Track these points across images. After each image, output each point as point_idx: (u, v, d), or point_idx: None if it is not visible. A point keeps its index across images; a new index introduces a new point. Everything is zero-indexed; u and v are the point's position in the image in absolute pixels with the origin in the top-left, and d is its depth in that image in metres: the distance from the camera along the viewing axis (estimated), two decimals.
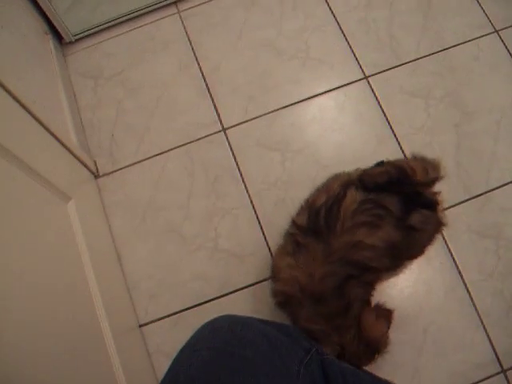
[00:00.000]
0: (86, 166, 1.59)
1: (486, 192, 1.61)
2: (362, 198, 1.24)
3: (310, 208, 1.29)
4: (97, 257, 1.33)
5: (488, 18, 1.86)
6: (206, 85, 1.76)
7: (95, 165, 1.68)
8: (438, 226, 1.33)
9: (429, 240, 1.34)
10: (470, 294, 1.52)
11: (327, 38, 1.81)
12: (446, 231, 1.54)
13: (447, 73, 1.76)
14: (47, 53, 1.71)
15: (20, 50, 1.45)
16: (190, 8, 1.88)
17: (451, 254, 1.55)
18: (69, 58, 1.84)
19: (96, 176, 1.67)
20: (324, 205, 1.26)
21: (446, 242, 1.57)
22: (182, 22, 1.86)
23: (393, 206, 1.23)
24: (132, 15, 1.87)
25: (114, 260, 1.54)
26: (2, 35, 1.35)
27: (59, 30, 1.79)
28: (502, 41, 1.82)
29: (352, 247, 1.21)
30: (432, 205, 1.29)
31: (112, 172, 1.68)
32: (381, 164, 1.40)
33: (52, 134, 1.36)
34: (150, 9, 1.88)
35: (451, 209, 1.59)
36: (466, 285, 1.52)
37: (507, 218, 1.58)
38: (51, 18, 1.74)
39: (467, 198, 1.61)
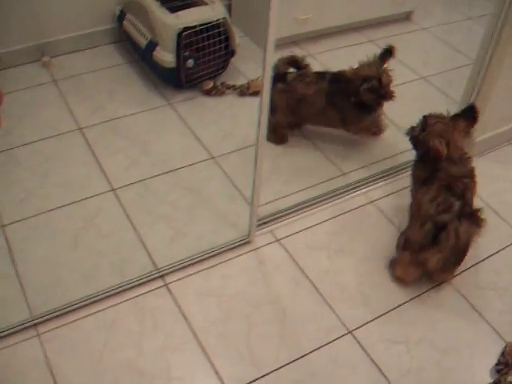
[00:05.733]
0: None
1: None
2: None
3: None
4: None
5: (341, 321, 2.05)
6: None
7: None
8: None
9: None
10: None
11: (188, 356, 1.92)
12: None
13: (309, 379, 1.88)
14: None
15: None
16: (51, 330, 1.96)
17: None
18: None
19: None
20: None
21: None
22: (42, 345, 1.92)
23: None
24: None
25: None
26: None
27: None
28: (357, 340, 1.99)
29: None
30: None
31: None
32: None
33: None
34: (5, 333, 1.92)
35: None
36: None
37: None
38: None
39: None
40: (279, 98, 2.58)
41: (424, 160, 2.25)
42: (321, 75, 2.61)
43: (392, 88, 2.48)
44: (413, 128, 2.36)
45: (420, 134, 2.27)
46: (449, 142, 2.19)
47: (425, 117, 2.33)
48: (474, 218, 2.02)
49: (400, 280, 2.19)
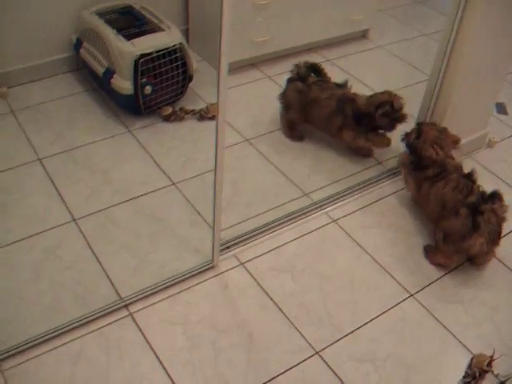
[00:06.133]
0: None
1: None
2: None
3: None
4: None
5: (307, 342, 2.06)
6: None
7: None
8: None
9: None
10: None
11: None
12: None
13: None
14: None
15: None
16: (15, 366, 1.92)
17: None
18: None
19: None
20: None
21: None
22: (6, 383, 1.87)
23: None
24: None
25: None
26: None
27: None
28: (324, 361, 2.00)
29: None
30: None
31: None
32: None
33: None
34: None
35: None
36: None
37: None
38: None
39: None
40: (294, 96, 2.86)
41: (422, 164, 2.45)
42: (339, 85, 2.86)
43: (404, 112, 2.69)
44: (407, 134, 2.53)
45: (415, 141, 2.44)
46: (443, 147, 2.43)
47: (419, 124, 2.53)
48: (496, 196, 2.25)
49: (444, 267, 2.37)
